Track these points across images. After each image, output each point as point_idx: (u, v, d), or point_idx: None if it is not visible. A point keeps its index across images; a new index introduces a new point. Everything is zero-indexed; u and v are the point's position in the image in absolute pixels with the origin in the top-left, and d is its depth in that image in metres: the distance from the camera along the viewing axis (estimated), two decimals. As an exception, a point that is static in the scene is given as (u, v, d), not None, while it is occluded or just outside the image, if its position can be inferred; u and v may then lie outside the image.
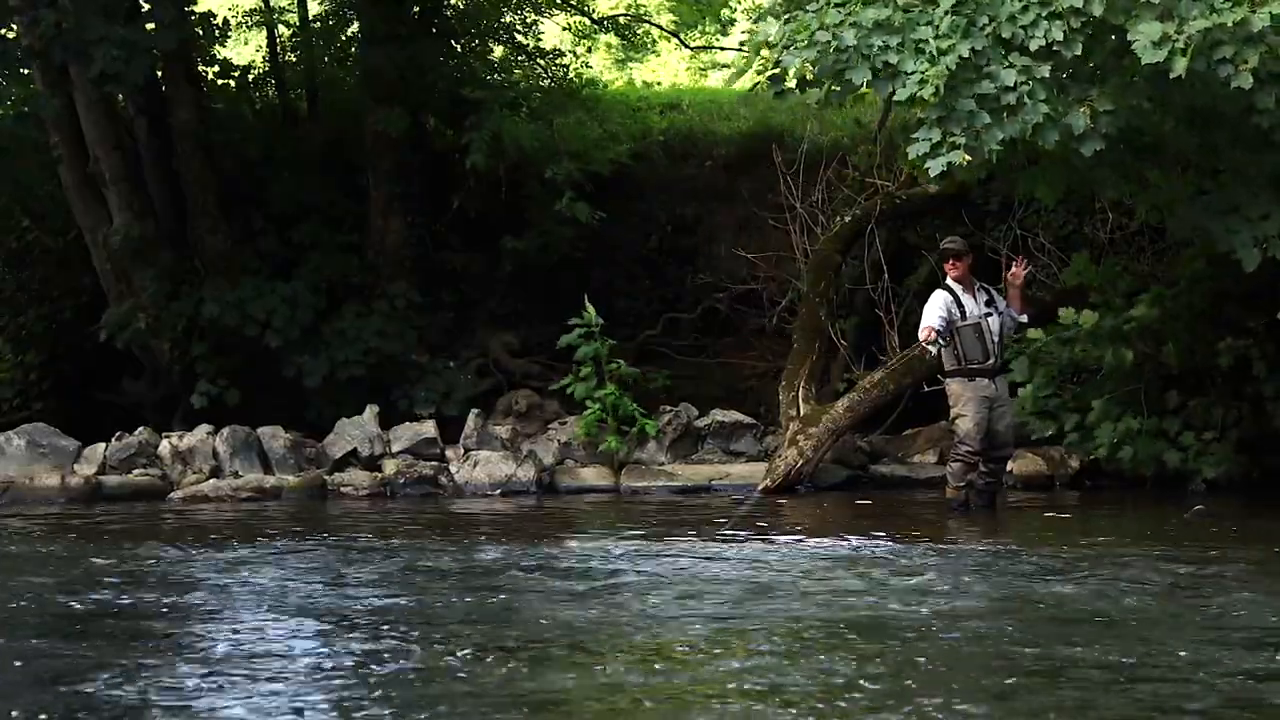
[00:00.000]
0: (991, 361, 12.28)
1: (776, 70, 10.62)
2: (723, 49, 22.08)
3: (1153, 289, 13.78)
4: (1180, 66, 9.93)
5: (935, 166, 10.32)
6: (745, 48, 11.20)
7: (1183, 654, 6.86)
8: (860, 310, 16.29)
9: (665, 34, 21.19)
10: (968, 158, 10.26)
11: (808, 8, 10.64)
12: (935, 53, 10.28)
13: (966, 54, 10.27)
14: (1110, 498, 13.77)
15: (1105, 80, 10.61)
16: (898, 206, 16.26)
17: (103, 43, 15.11)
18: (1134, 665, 6.68)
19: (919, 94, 10.24)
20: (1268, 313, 13.26)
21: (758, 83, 10.99)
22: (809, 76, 10.47)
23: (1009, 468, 14.06)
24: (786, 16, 10.70)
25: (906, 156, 13.55)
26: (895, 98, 10.39)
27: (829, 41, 10.35)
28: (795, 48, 10.42)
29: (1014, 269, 12.75)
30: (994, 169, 11.59)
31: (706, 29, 21.09)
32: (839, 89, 10.66)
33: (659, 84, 22.09)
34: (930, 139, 10.31)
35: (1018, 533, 11.66)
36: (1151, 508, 12.96)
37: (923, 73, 10.23)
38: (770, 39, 10.55)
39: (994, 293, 12.58)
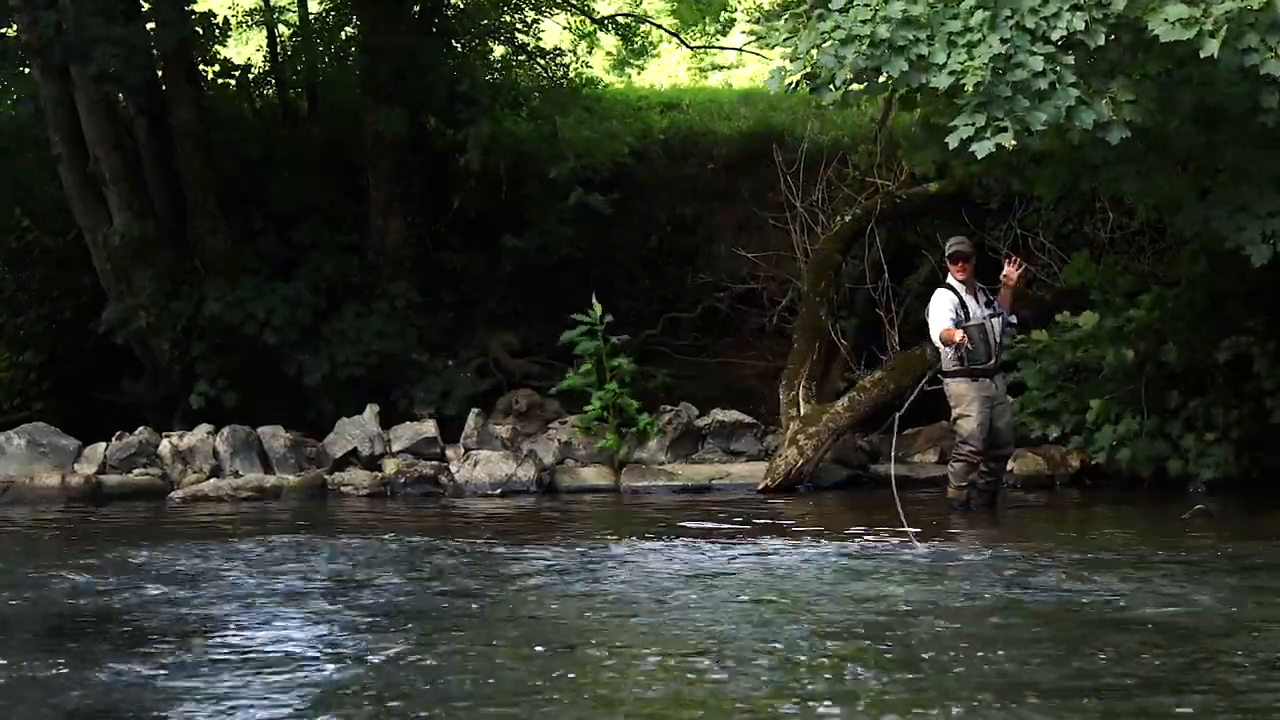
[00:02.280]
0: (992, 362, 12.35)
1: (811, 70, 10.66)
2: (723, 49, 22.08)
3: (1153, 289, 13.79)
4: (1212, 47, 9.96)
5: (981, 149, 10.34)
6: (775, 48, 11.19)
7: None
8: (860, 310, 16.28)
9: (666, 34, 21.18)
10: (1013, 142, 10.31)
11: (831, 5, 10.67)
12: (969, 44, 10.34)
13: (996, 45, 10.33)
14: (1109, 497, 13.76)
15: (1120, 75, 10.66)
16: (898, 206, 16.25)
17: (101, 43, 15.09)
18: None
19: (960, 83, 10.28)
20: (1269, 311, 13.28)
21: (794, 83, 11.01)
22: (849, 75, 10.52)
23: (1009, 467, 14.08)
24: (816, 14, 10.73)
25: (908, 154, 13.59)
26: (933, 86, 10.43)
27: (865, 36, 10.40)
28: (830, 45, 10.47)
29: (1007, 270, 12.74)
30: (1000, 165, 11.61)
31: (706, 29, 21.07)
32: (865, 86, 10.74)
33: (656, 86, 22.04)
34: (973, 124, 10.35)
35: (1016, 532, 11.67)
36: (1150, 508, 12.95)
37: (960, 64, 10.30)
38: (803, 40, 10.59)
39: (990, 294, 12.62)
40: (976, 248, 13.65)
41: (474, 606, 8.44)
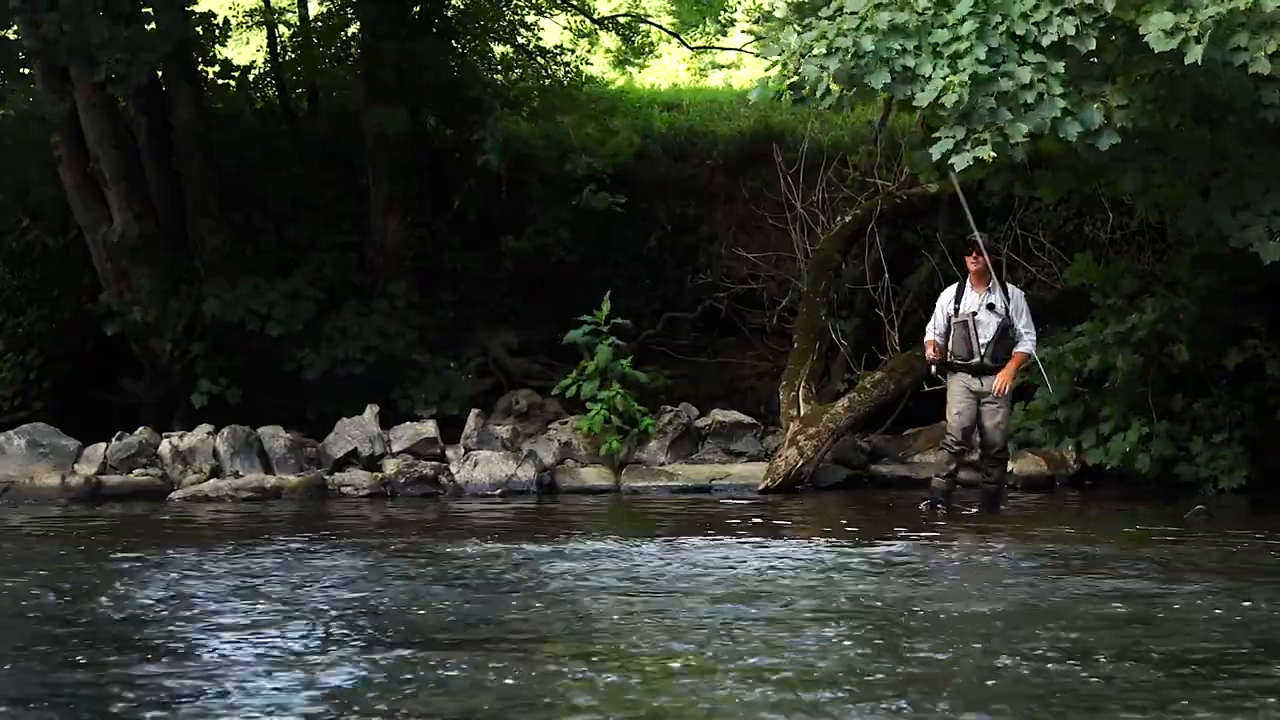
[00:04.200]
0: (976, 360, 12.29)
1: (796, 79, 10.67)
2: (723, 49, 22.07)
3: (1158, 292, 13.78)
4: (1196, 54, 9.97)
5: (960, 162, 10.36)
6: (765, 58, 11.21)
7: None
8: (860, 310, 16.28)
9: (666, 34, 21.18)
10: (994, 155, 10.30)
11: (820, 14, 10.67)
12: (954, 55, 10.32)
13: (984, 55, 10.31)
14: (1111, 497, 13.77)
15: (1115, 78, 10.67)
16: (898, 206, 16.24)
17: (106, 46, 15.07)
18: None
19: (943, 100, 10.28)
20: (1269, 314, 13.29)
21: (780, 92, 11.05)
22: (832, 85, 10.53)
23: (1010, 468, 14.09)
24: (804, 24, 10.73)
25: (908, 156, 13.60)
26: (916, 103, 10.43)
27: (848, 48, 10.39)
28: (814, 56, 10.46)
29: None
30: (999, 168, 11.63)
31: (707, 29, 21.06)
32: (855, 93, 10.75)
33: (656, 86, 22.04)
34: (954, 136, 10.35)
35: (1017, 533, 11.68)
36: (1154, 507, 12.95)
37: (943, 78, 10.28)
38: (789, 49, 10.59)
39: (1010, 294, 12.43)
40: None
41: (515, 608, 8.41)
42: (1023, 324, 12.32)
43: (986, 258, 12.30)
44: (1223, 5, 10.02)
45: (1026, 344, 12.32)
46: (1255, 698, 6.13)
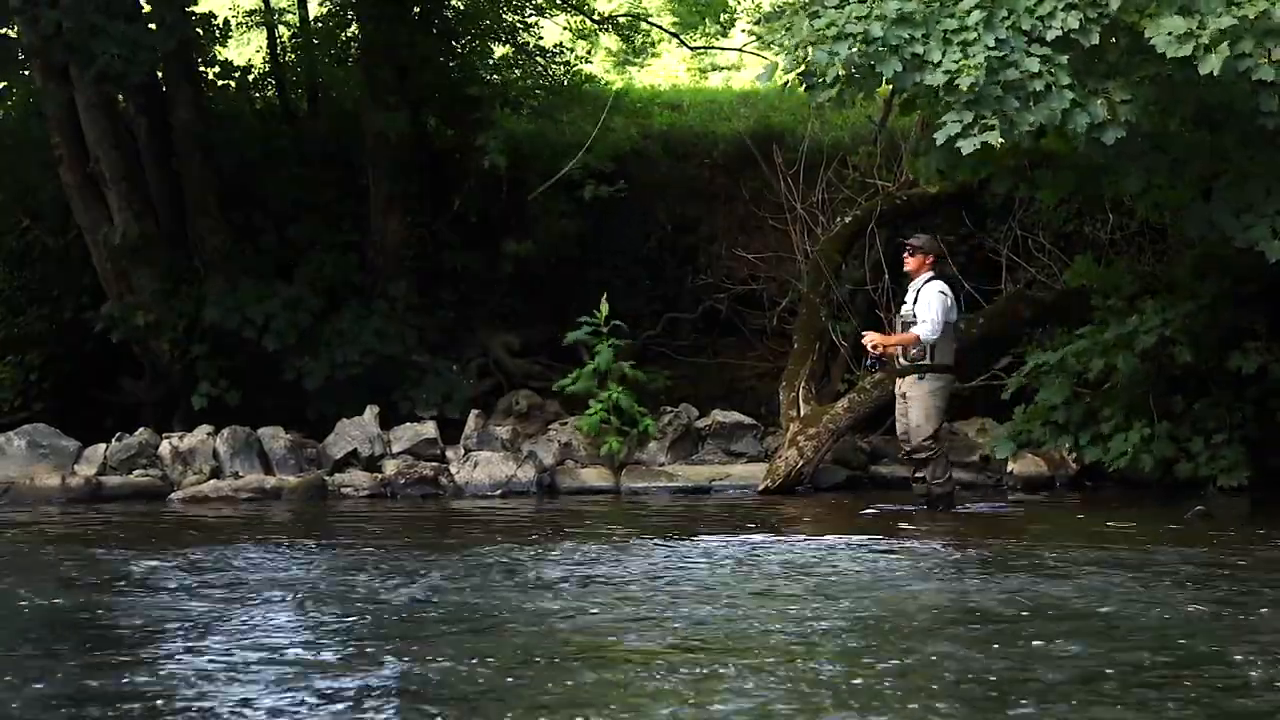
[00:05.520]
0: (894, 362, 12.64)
1: (805, 67, 10.69)
2: (723, 49, 22.08)
3: (1159, 294, 13.77)
4: (1213, 64, 10.00)
5: (967, 146, 10.40)
6: (773, 46, 11.25)
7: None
8: (861, 311, 16.27)
9: (666, 34, 21.18)
10: (1001, 140, 10.36)
11: (826, 3, 10.69)
12: (964, 44, 10.37)
13: (992, 44, 10.38)
14: (1110, 498, 13.77)
15: (1118, 76, 10.70)
16: (898, 207, 16.24)
17: (102, 38, 15.05)
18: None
19: (956, 83, 10.31)
20: (1269, 315, 13.30)
21: (787, 81, 11.07)
22: (841, 72, 10.57)
23: (1010, 468, 14.18)
24: (813, 11, 10.76)
25: (910, 162, 13.63)
26: (928, 83, 10.46)
27: (858, 34, 10.43)
28: (825, 42, 10.50)
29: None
30: (1002, 168, 11.67)
31: (707, 29, 21.07)
32: (860, 84, 10.79)
33: (656, 87, 22.04)
34: (961, 120, 10.38)
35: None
36: (1153, 509, 12.94)
37: (955, 62, 10.33)
38: (799, 33, 10.62)
39: (923, 289, 12.43)
40: (976, 248, 13.65)
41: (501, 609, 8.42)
42: (922, 313, 12.33)
43: (916, 257, 12.51)
44: (1232, 14, 10.03)
45: (919, 329, 12.32)
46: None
